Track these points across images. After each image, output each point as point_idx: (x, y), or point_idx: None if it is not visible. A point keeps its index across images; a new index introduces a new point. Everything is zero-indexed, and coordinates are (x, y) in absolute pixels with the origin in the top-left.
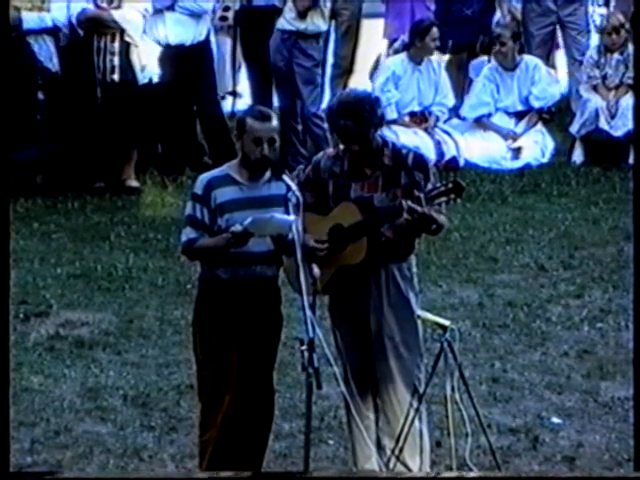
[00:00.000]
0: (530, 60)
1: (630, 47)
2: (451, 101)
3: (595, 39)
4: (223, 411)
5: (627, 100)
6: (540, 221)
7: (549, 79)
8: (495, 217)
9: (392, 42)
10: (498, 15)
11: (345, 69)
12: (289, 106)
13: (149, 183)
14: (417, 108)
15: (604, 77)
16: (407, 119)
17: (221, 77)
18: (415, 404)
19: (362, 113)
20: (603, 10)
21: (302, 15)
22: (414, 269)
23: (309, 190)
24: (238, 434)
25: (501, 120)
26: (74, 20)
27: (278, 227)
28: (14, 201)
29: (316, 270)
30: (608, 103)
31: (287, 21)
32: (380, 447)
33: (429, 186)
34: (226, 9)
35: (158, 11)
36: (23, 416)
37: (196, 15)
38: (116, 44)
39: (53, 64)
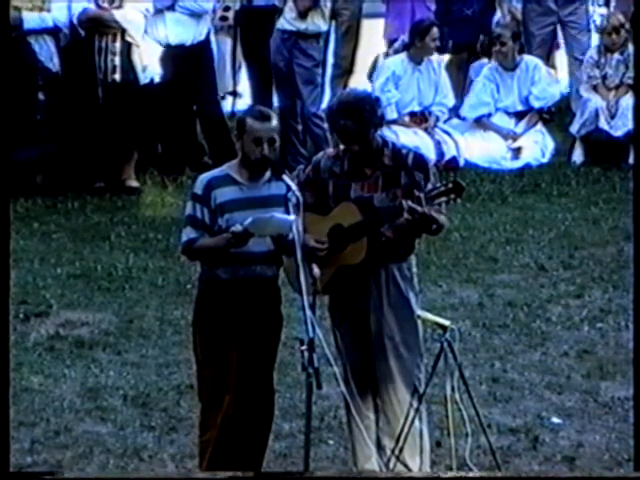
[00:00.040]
0: (530, 60)
1: (630, 47)
2: (451, 101)
3: (595, 39)
4: (223, 411)
5: (627, 100)
6: (540, 221)
7: (549, 79)
8: (495, 217)
9: (392, 42)
10: (498, 15)
11: (345, 69)
12: (289, 106)
13: (149, 183)
14: (417, 108)
15: (604, 77)
16: (407, 119)
17: (221, 77)
18: (415, 404)
19: (362, 113)
20: (603, 10)
21: (302, 15)
22: (414, 269)
23: (309, 190)
24: (238, 434)
25: (501, 120)
26: (75, 20)
27: (278, 227)
28: (14, 201)
29: (316, 270)
30: (608, 103)
31: (287, 21)
32: (380, 447)
33: (429, 186)
34: (226, 9)
35: (158, 11)
36: (23, 416)
37: (196, 15)
38: (117, 44)
39: (54, 64)
